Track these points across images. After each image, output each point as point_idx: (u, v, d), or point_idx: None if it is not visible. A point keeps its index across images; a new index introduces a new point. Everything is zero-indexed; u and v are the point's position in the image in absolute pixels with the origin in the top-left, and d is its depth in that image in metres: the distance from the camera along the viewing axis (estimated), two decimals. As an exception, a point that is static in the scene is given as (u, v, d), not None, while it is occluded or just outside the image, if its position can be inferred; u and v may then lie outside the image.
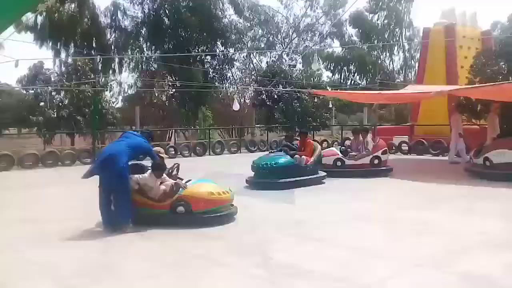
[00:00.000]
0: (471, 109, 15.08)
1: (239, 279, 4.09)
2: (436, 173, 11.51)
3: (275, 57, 35.73)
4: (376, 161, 10.86)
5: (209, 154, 18.19)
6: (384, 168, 11.01)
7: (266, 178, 9.12)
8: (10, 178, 12.06)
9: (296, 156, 9.53)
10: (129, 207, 5.83)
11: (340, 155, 10.96)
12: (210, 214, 6.00)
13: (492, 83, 12.18)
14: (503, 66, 14.01)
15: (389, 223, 6.21)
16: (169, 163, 6.79)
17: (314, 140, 12.97)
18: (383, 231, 5.74)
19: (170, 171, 6.57)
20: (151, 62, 29.67)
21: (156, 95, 25.31)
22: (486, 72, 14.04)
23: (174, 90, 27.01)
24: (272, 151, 11.41)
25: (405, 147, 17.12)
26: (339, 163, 10.84)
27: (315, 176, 9.66)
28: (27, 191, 9.66)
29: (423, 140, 16.67)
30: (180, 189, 6.02)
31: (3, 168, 13.30)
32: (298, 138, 11.41)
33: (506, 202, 7.57)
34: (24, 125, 19.00)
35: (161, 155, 6.57)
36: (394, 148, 17.07)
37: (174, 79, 26.93)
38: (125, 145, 5.96)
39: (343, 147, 11.69)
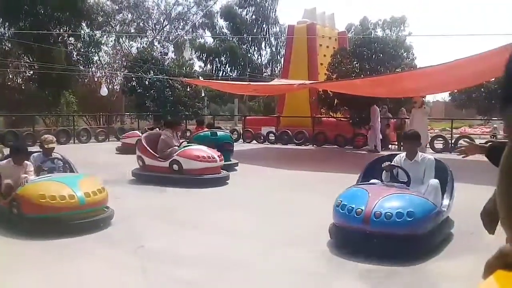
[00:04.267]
0: (329, 103, 16.63)
1: (110, 268, 4.01)
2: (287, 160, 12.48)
3: (146, 44, 34.73)
4: None
5: (74, 142, 17.08)
6: None
7: None
8: None
9: None
10: None
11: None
12: (50, 221, 4.85)
13: (346, 79, 13.63)
14: (356, 65, 15.69)
15: (259, 207, 6.61)
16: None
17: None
18: (254, 215, 6.08)
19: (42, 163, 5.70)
20: (4, 40, 26.52)
21: (10, 76, 22.78)
22: (341, 70, 15.58)
23: (32, 72, 24.60)
24: None
25: (272, 137, 18.18)
26: None
27: None
28: None
29: (287, 130, 17.88)
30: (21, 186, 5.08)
31: None
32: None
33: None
34: None
35: (46, 145, 5.80)
36: (262, 138, 18.08)
37: (31, 60, 24.51)
38: None
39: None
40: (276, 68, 42.88)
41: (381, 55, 15.65)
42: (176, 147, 8.57)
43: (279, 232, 5.19)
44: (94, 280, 3.73)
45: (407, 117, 16.07)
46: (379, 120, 14.57)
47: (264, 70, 43.12)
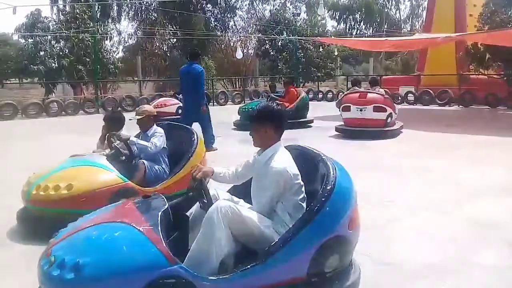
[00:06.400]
0: (479, 58, 14.83)
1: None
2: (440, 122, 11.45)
3: (278, 6, 34.75)
4: None
5: (213, 105, 18.09)
6: None
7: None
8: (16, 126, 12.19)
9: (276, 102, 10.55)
10: None
11: None
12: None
13: (502, 29, 11.92)
14: (513, 14, 13.64)
15: (396, 171, 6.20)
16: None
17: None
18: (390, 179, 5.73)
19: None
20: (150, 11, 28.94)
21: (157, 44, 24.88)
22: (495, 21, 13.71)
23: (175, 39, 26.51)
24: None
25: (411, 98, 16.94)
26: None
27: (298, 120, 10.42)
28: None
29: (429, 90, 16.47)
30: None
31: (7, 117, 13.55)
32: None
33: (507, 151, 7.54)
34: (24, 75, 18.72)
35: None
36: (400, 98, 16.87)
37: (174, 28, 26.38)
38: None
39: None
40: (417, 23, 39.64)
41: (546, 0, 13.34)
42: None
43: (416, 196, 4.86)
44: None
45: None
46: None
47: (403, 25, 40.17)
